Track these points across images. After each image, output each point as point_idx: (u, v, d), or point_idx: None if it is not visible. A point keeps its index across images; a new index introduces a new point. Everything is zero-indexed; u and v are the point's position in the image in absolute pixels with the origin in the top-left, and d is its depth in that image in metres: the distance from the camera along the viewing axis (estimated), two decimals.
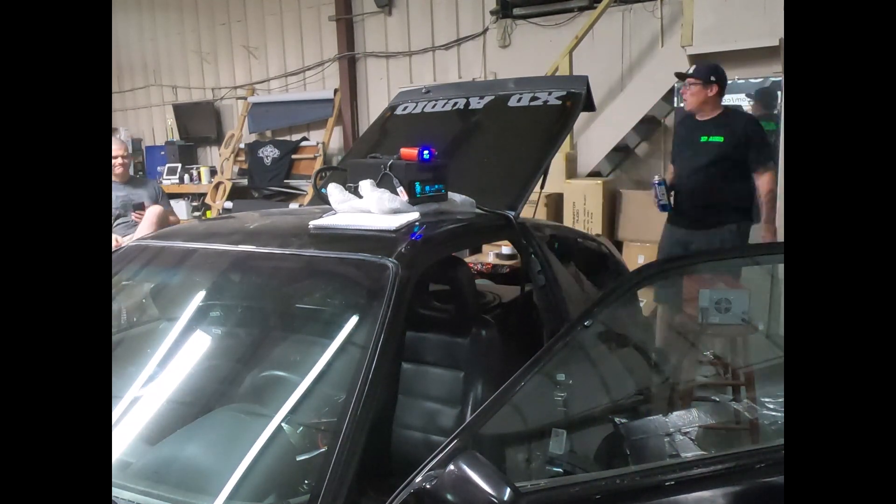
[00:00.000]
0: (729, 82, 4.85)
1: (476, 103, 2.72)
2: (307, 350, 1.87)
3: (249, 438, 1.53)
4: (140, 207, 3.95)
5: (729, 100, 5.24)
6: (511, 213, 2.22)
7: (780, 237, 4.35)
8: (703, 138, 3.61)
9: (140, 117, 9.18)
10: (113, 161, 3.91)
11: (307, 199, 5.82)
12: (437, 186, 2.04)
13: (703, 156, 3.60)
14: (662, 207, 3.72)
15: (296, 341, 2.02)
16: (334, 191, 2.07)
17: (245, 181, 7.79)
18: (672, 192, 3.72)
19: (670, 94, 5.30)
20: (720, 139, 3.56)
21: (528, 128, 2.60)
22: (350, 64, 7.34)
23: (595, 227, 5.15)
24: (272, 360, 1.94)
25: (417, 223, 1.93)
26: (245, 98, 8.01)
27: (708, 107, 3.64)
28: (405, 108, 2.94)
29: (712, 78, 3.58)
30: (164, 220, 3.81)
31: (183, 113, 8.48)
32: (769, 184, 3.55)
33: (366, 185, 2.00)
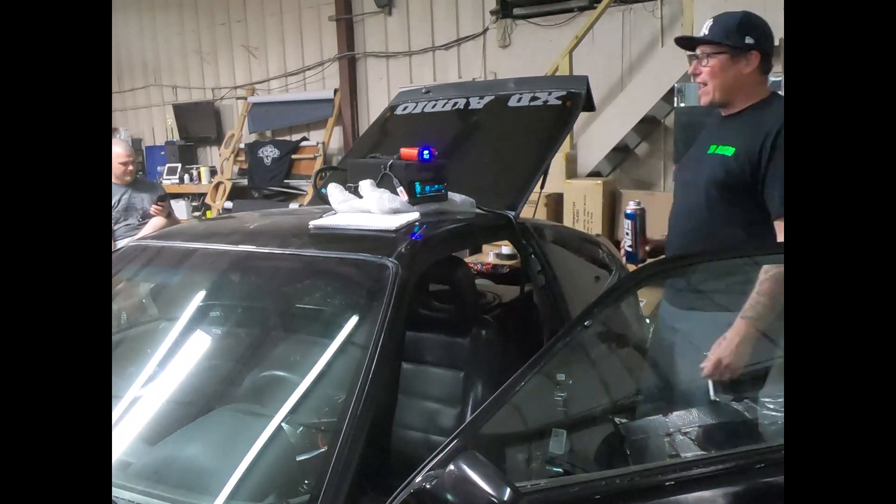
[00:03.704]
0: None
1: (476, 103, 2.72)
2: (307, 350, 1.87)
3: (249, 438, 1.53)
4: (163, 199, 3.99)
5: None
6: (511, 213, 2.22)
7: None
8: (712, 148, 2.09)
9: (140, 117, 9.18)
10: (123, 168, 3.91)
11: (307, 199, 5.82)
12: (437, 186, 2.04)
13: (701, 178, 2.09)
14: (627, 255, 2.38)
15: (296, 341, 2.02)
16: (334, 191, 2.07)
17: (245, 181, 7.79)
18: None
19: (670, 94, 5.30)
20: (730, 150, 2.02)
21: (528, 128, 2.60)
22: (350, 64, 7.34)
23: (595, 227, 5.14)
24: (272, 360, 1.94)
25: (417, 223, 1.93)
26: (245, 98, 8.01)
27: (743, 92, 2.07)
28: (405, 108, 2.94)
29: (748, 39, 2.02)
30: None
31: (183, 113, 8.48)
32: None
33: (366, 185, 2.00)
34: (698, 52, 2.09)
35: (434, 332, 2.12)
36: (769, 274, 1.88)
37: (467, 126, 2.73)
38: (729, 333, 1.90)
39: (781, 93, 2.13)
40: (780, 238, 1.93)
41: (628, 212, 2.37)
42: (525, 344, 2.10)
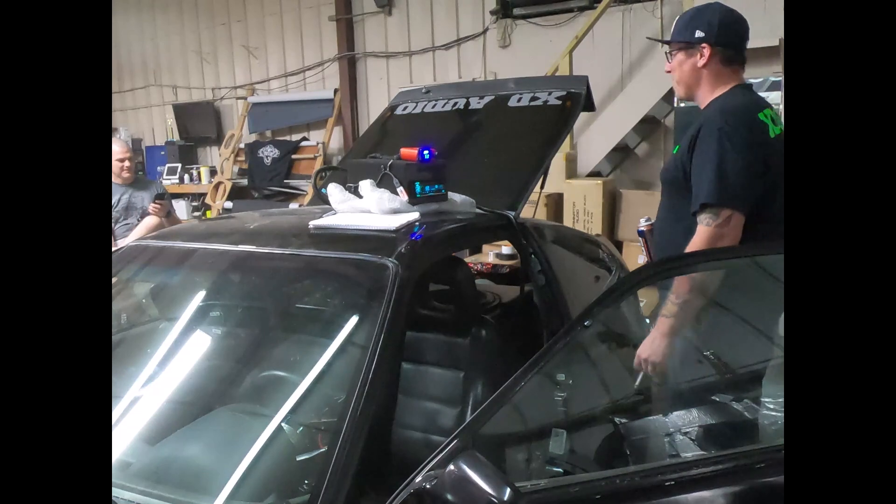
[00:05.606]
0: None
1: (476, 103, 2.72)
2: (307, 350, 1.87)
3: (249, 438, 1.53)
4: (161, 198, 3.95)
5: None
6: (511, 213, 2.22)
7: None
8: (675, 148, 2.17)
9: (140, 117, 9.19)
10: (121, 165, 3.90)
11: (307, 199, 5.82)
12: (437, 186, 2.04)
13: (664, 180, 2.21)
14: None
15: (296, 341, 2.02)
16: (334, 191, 2.07)
17: (245, 181, 7.80)
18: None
19: (670, 94, 5.30)
20: (676, 149, 2.17)
21: (528, 128, 2.60)
22: (350, 64, 7.34)
23: (595, 227, 5.14)
24: (272, 360, 1.94)
25: (417, 223, 1.93)
26: (245, 98, 8.02)
27: (702, 87, 2.10)
28: (405, 108, 2.94)
29: (697, 33, 2.04)
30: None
31: (183, 113, 8.49)
32: (701, 243, 1.93)
33: (366, 185, 2.00)
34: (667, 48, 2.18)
35: (434, 332, 2.12)
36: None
37: (467, 126, 2.73)
38: (650, 332, 1.97)
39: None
40: (699, 236, 1.94)
41: (639, 229, 2.38)
42: (525, 344, 2.10)
